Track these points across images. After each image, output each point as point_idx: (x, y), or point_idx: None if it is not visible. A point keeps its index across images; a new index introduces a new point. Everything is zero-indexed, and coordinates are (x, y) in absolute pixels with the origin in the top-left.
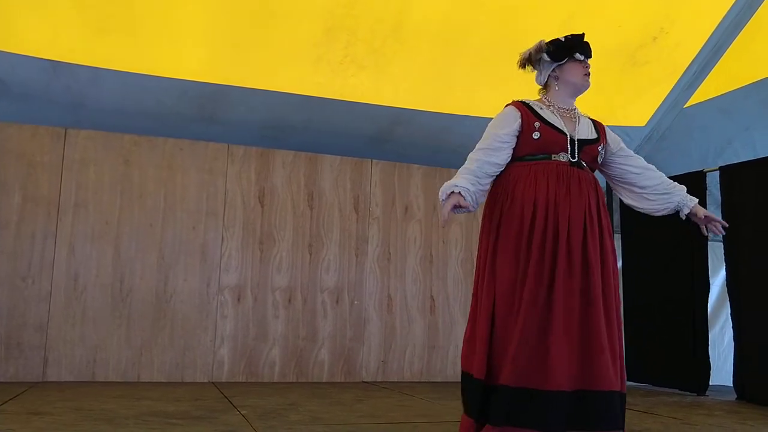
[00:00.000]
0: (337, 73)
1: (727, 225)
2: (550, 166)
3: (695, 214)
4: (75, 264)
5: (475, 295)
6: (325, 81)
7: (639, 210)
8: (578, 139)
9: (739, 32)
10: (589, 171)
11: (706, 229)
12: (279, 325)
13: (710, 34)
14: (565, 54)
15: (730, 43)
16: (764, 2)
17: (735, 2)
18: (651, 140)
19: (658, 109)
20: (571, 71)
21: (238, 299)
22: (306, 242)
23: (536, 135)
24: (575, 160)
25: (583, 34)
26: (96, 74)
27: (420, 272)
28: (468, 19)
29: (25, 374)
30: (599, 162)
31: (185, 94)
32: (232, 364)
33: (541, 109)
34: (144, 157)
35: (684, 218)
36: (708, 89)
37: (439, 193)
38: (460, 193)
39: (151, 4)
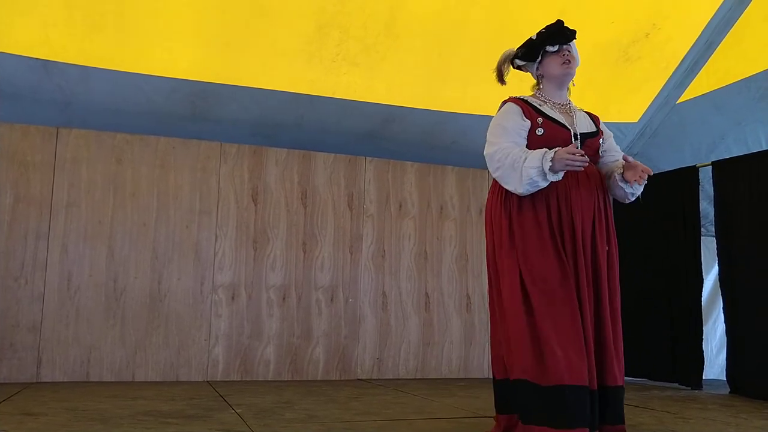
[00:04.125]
0: (330, 71)
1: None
2: None
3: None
4: (68, 264)
5: (497, 295)
6: (318, 78)
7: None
8: (581, 133)
9: (731, 28)
10: (593, 165)
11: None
12: (273, 323)
13: (702, 29)
14: (537, 51)
15: (722, 39)
16: None
17: None
18: (644, 136)
19: (650, 104)
20: (549, 65)
21: (233, 298)
22: (300, 240)
23: (540, 131)
24: None
25: (557, 21)
26: (87, 73)
27: (414, 269)
28: (461, 14)
29: (19, 375)
30: (600, 155)
31: (177, 92)
32: (227, 363)
33: (540, 105)
34: (136, 155)
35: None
36: (700, 85)
37: (533, 175)
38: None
39: (142, 2)
